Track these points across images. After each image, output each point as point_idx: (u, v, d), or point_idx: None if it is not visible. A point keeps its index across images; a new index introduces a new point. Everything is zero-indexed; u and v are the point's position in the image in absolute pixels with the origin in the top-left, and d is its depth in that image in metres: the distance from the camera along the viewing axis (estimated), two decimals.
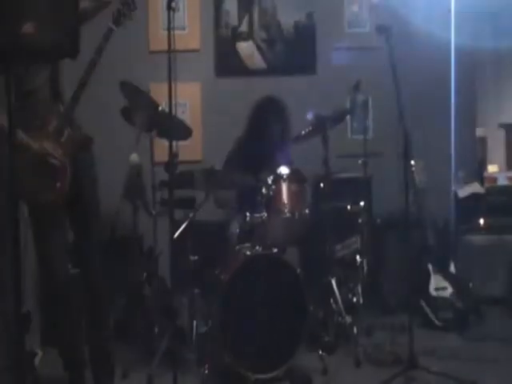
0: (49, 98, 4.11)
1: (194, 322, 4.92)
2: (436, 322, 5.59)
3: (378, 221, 6.21)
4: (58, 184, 4.06)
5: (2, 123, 3.84)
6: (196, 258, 4.95)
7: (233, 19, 6.39)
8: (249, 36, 6.43)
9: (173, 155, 3.98)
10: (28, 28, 3.63)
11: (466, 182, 6.60)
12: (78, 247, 4.38)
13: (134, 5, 4.13)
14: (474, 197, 6.44)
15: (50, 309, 4.54)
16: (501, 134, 8.08)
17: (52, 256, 4.21)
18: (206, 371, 4.60)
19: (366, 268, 5.66)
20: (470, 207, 6.41)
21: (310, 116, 5.76)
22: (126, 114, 5.08)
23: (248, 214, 4.97)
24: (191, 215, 4.95)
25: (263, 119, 5.66)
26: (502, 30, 7.43)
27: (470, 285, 5.76)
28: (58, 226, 4.23)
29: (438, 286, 5.70)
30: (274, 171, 5.05)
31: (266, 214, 4.91)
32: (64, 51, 4.00)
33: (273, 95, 5.73)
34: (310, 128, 5.29)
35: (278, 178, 5.01)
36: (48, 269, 4.24)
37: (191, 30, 6.27)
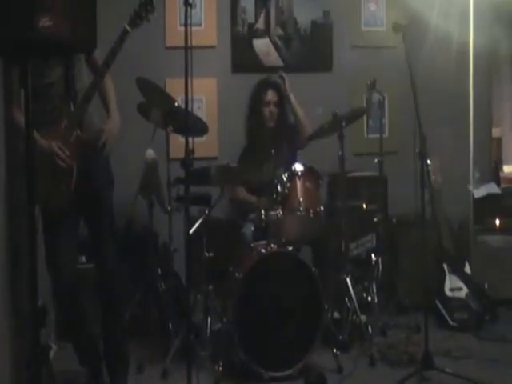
0: (62, 95, 4.09)
1: (209, 319, 4.92)
2: (451, 322, 5.57)
3: (394, 220, 6.19)
4: (64, 185, 4.05)
5: (19, 120, 3.86)
6: (211, 254, 4.94)
7: (249, 16, 6.37)
8: (265, 33, 6.42)
9: (189, 151, 3.95)
10: (45, 22, 3.63)
11: (482, 182, 6.57)
12: (93, 243, 4.38)
13: (153, 7, 4.09)
14: (490, 197, 6.41)
15: (61, 306, 4.54)
16: None
17: (59, 256, 4.20)
18: (220, 368, 4.61)
19: (380, 267, 5.64)
20: (485, 207, 6.37)
21: (320, 111, 5.80)
22: (143, 109, 5.08)
23: (263, 211, 4.96)
24: (206, 212, 4.94)
25: (259, 92, 5.87)
26: None
27: (486, 285, 5.73)
28: (66, 225, 4.22)
29: (453, 286, 5.68)
30: (288, 168, 5.06)
31: (281, 212, 4.90)
32: (81, 46, 4.00)
33: (268, 75, 6.00)
34: (326, 126, 5.28)
35: (293, 175, 5.02)
36: (54, 269, 4.23)
37: (208, 27, 6.25)
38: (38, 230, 4.15)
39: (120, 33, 4.02)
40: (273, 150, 5.10)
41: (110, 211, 4.36)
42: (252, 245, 4.99)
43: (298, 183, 5.03)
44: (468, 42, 6.62)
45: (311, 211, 4.98)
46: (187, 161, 3.97)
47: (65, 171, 4.03)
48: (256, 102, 5.87)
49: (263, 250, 4.79)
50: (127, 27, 4.03)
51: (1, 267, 3.98)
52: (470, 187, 6.43)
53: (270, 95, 5.81)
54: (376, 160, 5.72)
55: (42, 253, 4.08)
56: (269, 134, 5.74)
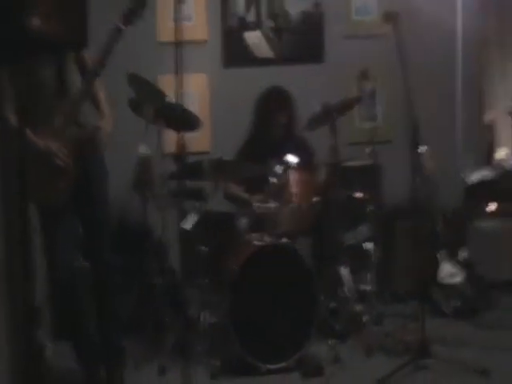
0: (54, 93, 4.10)
1: (205, 313, 4.92)
2: (446, 309, 5.59)
3: (388, 208, 6.20)
4: (61, 183, 4.07)
5: (12, 120, 3.88)
6: (206, 248, 4.96)
7: (240, 9, 6.37)
8: (256, 26, 6.41)
9: (181, 146, 3.97)
10: (36, 21, 3.64)
11: (475, 167, 6.58)
12: (88, 240, 4.40)
13: (144, 3, 4.07)
14: (483, 183, 6.42)
15: (60, 304, 4.57)
16: (509, 119, 8.03)
17: (59, 252, 4.22)
18: (218, 362, 4.63)
19: (375, 256, 5.65)
20: (478, 193, 6.39)
21: (314, 104, 5.80)
22: (134, 105, 5.08)
23: (257, 204, 4.97)
24: (200, 206, 4.95)
25: (269, 109, 5.67)
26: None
27: (481, 272, 5.74)
28: (64, 223, 4.24)
29: (448, 273, 5.70)
30: (282, 160, 5.05)
31: (275, 204, 4.91)
32: (71, 44, 4.01)
33: (278, 85, 5.74)
34: (317, 116, 5.28)
35: (287, 167, 5.01)
36: (55, 265, 4.26)
37: (198, 21, 6.25)
38: (36, 228, 4.18)
39: (113, 31, 4.03)
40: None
41: (105, 207, 4.38)
42: (247, 237, 5.01)
43: (292, 175, 5.03)
44: (456, 27, 6.65)
45: (305, 202, 4.99)
46: (180, 156, 3.99)
47: (62, 169, 4.05)
48: (265, 119, 5.70)
49: (258, 243, 4.81)
50: (120, 25, 4.03)
51: None
52: (462, 173, 6.46)
53: (283, 118, 5.67)
54: (369, 149, 5.73)
55: (38, 252, 4.10)
56: (273, 148, 5.60)
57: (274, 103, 5.68)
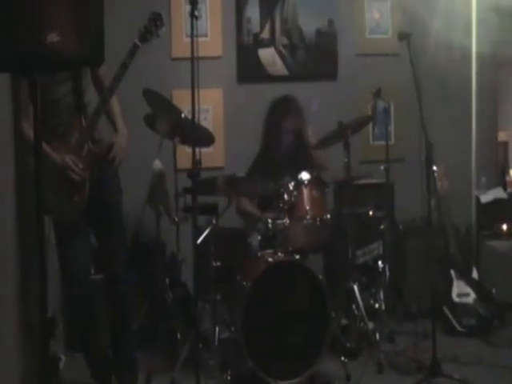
0: (72, 108, 4.14)
1: (217, 328, 4.91)
2: (459, 328, 5.57)
3: (400, 226, 6.20)
4: (76, 197, 4.10)
5: (28, 134, 3.90)
6: (218, 264, 4.96)
7: (254, 26, 6.41)
8: (270, 42, 6.45)
9: (196, 162, 3.99)
10: (53, 38, 3.67)
11: (489, 187, 6.58)
12: (102, 254, 4.42)
13: (162, 22, 4.12)
14: (497, 202, 6.41)
15: (74, 317, 4.58)
16: None
17: (74, 266, 4.25)
18: (229, 377, 4.62)
19: (388, 274, 5.64)
20: (492, 212, 6.38)
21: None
22: (149, 121, 5.11)
23: (270, 220, 4.98)
24: (214, 221, 4.96)
25: (278, 115, 5.70)
26: None
27: (493, 291, 5.73)
28: (79, 236, 4.27)
29: (461, 292, 5.68)
30: (295, 176, 5.06)
31: (287, 221, 4.92)
32: (88, 60, 4.03)
33: (288, 94, 5.79)
34: (331, 134, 5.29)
35: (299, 183, 5.02)
36: (70, 278, 4.28)
37: (213, 37, 6.29)
38: (50, 242, 4.20)
39: (130, 48, 4.07)
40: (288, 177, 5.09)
41: (120, 222, 4.41)
42: (259, 254, 4.99)
43: (305, 192, 5.03)
44: (471, 47, 6.65)
45: (318, 219, 5.00)
46: (194, 171, 4.01)
47: (77, 184, 4.08)
48: (275, 124, 5.71)
49: (270, 259, 4.80)
50: (137, 42, 4.07)
51: (11, 279, 4.02)
52: (474, 192, 6.45)
53: (291, 123, 5.68)
54: (382, 167, 5.73)
55: (51, 264, 4.11)
56: (284, 160, 5.66)
57: (282, 109, 5.72)
